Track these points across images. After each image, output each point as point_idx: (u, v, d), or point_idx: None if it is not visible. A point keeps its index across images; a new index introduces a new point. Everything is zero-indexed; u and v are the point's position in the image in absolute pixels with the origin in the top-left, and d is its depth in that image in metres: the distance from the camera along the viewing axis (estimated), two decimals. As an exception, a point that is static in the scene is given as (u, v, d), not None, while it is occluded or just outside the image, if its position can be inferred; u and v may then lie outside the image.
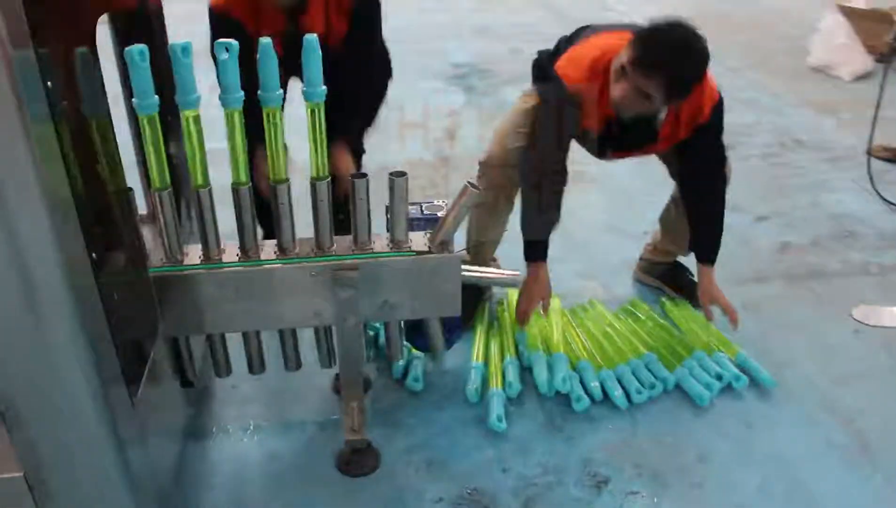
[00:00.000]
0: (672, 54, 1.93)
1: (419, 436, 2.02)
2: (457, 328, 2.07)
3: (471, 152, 3.84)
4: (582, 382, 2.14)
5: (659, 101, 1.97)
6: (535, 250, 2.24)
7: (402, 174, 1.72)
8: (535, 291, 2.25)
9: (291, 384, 2.12)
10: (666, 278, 2.65)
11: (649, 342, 2.32)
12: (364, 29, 2.25)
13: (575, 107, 2.09)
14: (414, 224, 1.99)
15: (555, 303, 2.43)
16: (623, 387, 2.13)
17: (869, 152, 3.44)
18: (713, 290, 2.33)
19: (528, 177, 2.19)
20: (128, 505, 1.49)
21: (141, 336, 1.62)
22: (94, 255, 1.30)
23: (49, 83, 1.12)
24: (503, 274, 1.87)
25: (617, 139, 2.23)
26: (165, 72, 1.58)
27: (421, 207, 2.00)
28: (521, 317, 2.28)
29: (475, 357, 2.23)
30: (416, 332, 2.05)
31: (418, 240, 1.81)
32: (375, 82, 2.37)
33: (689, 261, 2.52)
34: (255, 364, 1.90)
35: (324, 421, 2.05)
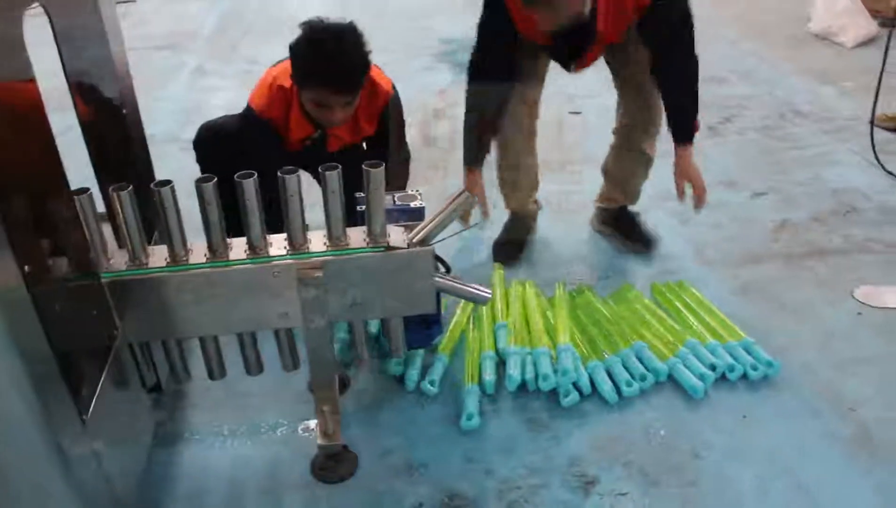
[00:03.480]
0: None
1: (399, 437, 1.92)
2: (436, 324, 1.97)
3: (459, 133, 3.72)
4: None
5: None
6: (472, 157, 2.41)
7: (378, 165, 1.61)
8: (473, 186, 2.40)
9: (266, 385, 2.03)
10: (615, 225, 2.75)
11: (638, 330, 2.22)
12: (391, 133, 2.44)
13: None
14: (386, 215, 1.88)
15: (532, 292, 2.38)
16: (612, 380, 2.03)
17: (872, 122, 3.31)
18: (688, 168, 2.29)
19: (470, 81, 2.35)
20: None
21: (94, 346, 1.53)
22: (26, 267, 1.20)
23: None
24: (470, 289, 1.76)
25: (567, 49, 2.29)
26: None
27: (394, 197, 1.89)
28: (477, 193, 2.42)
29: (441, 348, 2.15)
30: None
31: (397, 235, 1.71)
32: (401, 178, 2.55)
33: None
34: (216, 369, 1.80)
35: (299, 424, 1.96)
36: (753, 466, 1.81)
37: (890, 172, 3.16)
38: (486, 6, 2.24)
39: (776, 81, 4.32)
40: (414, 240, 1.69)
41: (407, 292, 1.70)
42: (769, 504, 1.71)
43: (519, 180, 2.62)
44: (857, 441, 1.87)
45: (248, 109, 2.29)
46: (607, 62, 2.46)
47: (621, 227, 2.74)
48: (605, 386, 2.00)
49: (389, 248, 1.66)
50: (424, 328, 1.96)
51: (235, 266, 1.63)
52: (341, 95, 2.12)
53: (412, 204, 1.85)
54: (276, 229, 1.68)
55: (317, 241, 1.69)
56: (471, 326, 2.26)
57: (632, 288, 2.45)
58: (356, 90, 2.15)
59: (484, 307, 2.29)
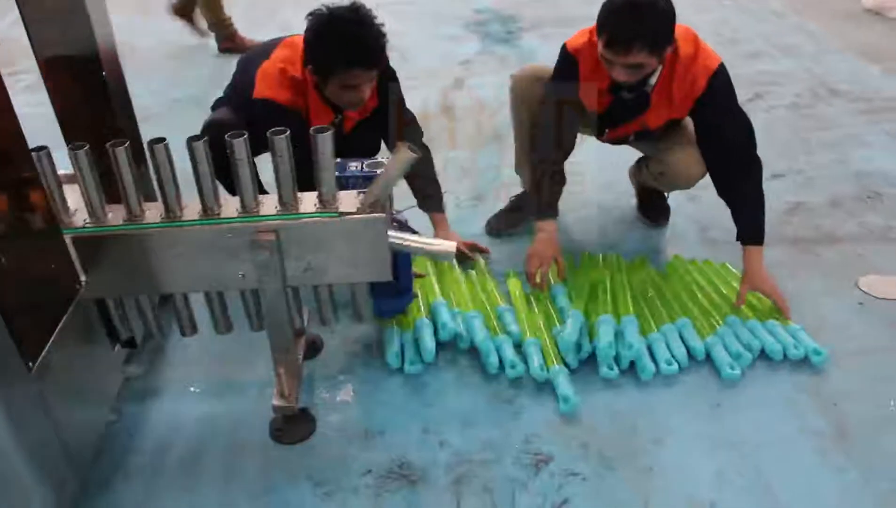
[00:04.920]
0: (612, 14, 2.00)
1: (362, 403, 1.93)
2: (408, 291, 1.95)
3: (477, 102, 3.68)
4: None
5: (616, 62, 2.01)
6: (543, 209, 2.30)
7: (326, 130, 1.60)
8: (543, 251, 2.25)
9: (243, 343, 2.02)
10: (643, 194, 2.70)
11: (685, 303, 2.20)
12: (392, 99, 2.35)
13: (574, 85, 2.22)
14: (351, 182, 1.87)
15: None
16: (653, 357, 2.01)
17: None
18: (755, 277, 2.15)
19: (536, 142, 2.34)
20: (24, 475, 1.46)
21: (52, 298, 1.56)
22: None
23: None
24: (433, 244, 1.73)
25: (613, 113, 2.27)
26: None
27: (362, 164, 1.87)
28: (530, 279, 2.25)
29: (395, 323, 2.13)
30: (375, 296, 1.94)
31: (349, 200, 1.69)
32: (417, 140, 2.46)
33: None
34: (186, 327, 1.83)
35: (270, 386, 1.98)
36: (716, 457, 1.75)
37: (922, 157, 2.99)
38: (557, 78, 2.27)
39: (817, 58, 4.12)
40: (366, 204, 1.67)
41: (361, 257, 1.69)
42: (723, 497, 1.65)
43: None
44: (833, 439, 1.79)
45: (269, 102, 2.16)
46: (631, 143, 2.50)
47: (645, 202, 2.70)
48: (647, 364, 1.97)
49: (341, 213, 1.64)
50: (395, 295, 1.95)
51: (188, 226, 1.64)
52: (371, 69, 2.11)
53: (378, 171, 1.83)
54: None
55: (269, 205, 1.69)
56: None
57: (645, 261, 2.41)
58: (382, 62, 2.15)
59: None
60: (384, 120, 2.37)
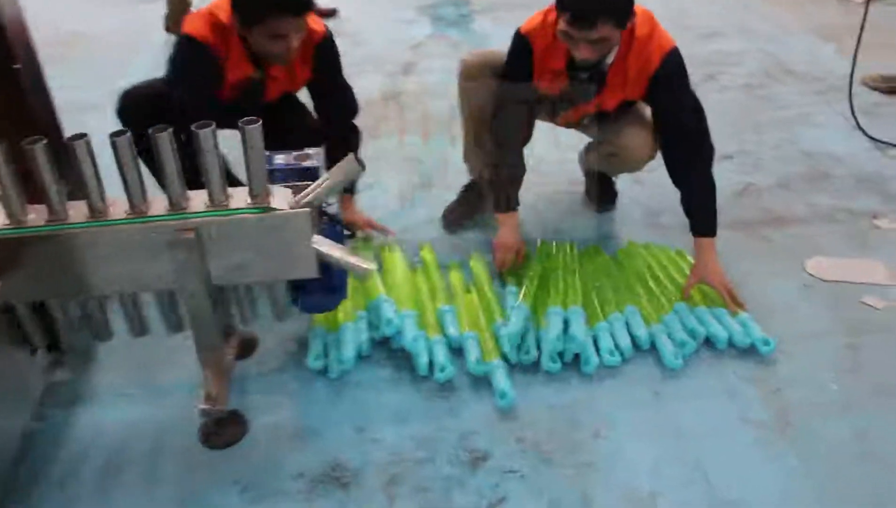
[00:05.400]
0: None
1: (295, 403, 1.87)
2: (340, 289, 1.89)
3: (426, 88, 3.61)
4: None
5: (580, 38, 1.95)
6: (502, 201, 2.29)
7: (255, 122, 1.52)
8: (508, 242, 2.27)
9: (178, 344, 1.93)
10: (591, 179, 2.66)
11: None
12: (327, 73, 2.29)
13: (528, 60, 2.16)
14: (278, 175, 1.80)
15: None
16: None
17: (851, 81, 3.05)
18: (705, 270, 2.12)
19: (494, 133, 2.28)
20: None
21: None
22: None
23: None
24: (351, 261, 1.66)
25: (568, 95, 2.22)
26: None
27: (291, 155, 1.80)
28: (505, 264, 2.28)
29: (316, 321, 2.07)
30: (298, 291, 1.88)
31: (282, 197, 1.63)
32: (347, 119, 2.41)
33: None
34: (101, 331, 1.75)
35: (199, 388, 1.91)
36: (655, 447, 1.71)
37: (871, 137, 2.97)
38: (511, 63, 2.21)
39: (773, 37, 4.10)
40: (300, 203, 1.61)
41: (287, 254, 1.63)
42: (662, 488, 1.62)
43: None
44: (775, 426, 1.76)
45: (190, 38, 2.08)
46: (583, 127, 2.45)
47: (592, 185, 2.66)
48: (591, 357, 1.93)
49: (267, 209, 1.57)
50: (326, 292, 1.88)
51: (111, 226, 1.56)
52: (300, 17, 2.02)
53: (304, 164, 1.76)
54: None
55: (198, 201, 1.62)
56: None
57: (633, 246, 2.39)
58: (311, 7, 2.06)
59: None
60: (317, 94, 2.31)
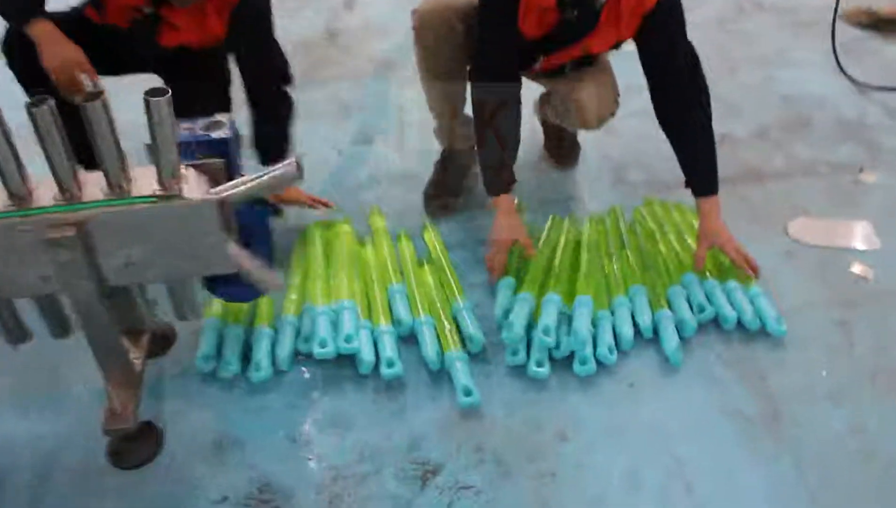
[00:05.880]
0: None
1: (219, 409, 1.62)
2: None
3: (369, 26, 3.28)
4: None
5: None
6: (496, 181, 1.91)
7: (164, 92, 1.23)
8: (505, 230, 1.89)
9: (83, 348, 1.67)
10: (549, 132, 2.39)
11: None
12: (247, 33, 1.92)
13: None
14: (182, 149, 1.50)
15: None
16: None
17: (835, 16, 2.82)
18: (714, 233, 1.87)
19: (477, 94, 1.87)
20: None
21: None
22: None
23: None
24: (257, 272, 1.41)
25: (555, 36, 1.86)
26: None
27: (196, 126, 1.50)
28: (496, 267, 1.89)
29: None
30: (215, 279, 1.61)
31: (198, 182, 1.35)
32: (273, 85, 2.03)
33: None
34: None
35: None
36: (628, 451, 1.52)
37: (852, 78, 2.75)
38: (489, 3, 1.82)
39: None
40: (217, 194, 1.34)
41: (195, 249, 1.35)
42: (638, 499, 1.43)
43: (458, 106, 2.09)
44: (762, 421, 1.57)
45: None
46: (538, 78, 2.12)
47: (552, 139, 2.39)
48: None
49: (161, 197, 1.29)
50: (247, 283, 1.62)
51: None
52: None
53: (214, 134, 1.47)
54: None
55: (94, 188, 1.33)
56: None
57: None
58: None
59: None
60: (237, 55, 1.96)
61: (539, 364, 1.65)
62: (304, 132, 2.19)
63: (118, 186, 1.32)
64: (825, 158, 2.37)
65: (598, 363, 1.67)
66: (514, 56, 1.87)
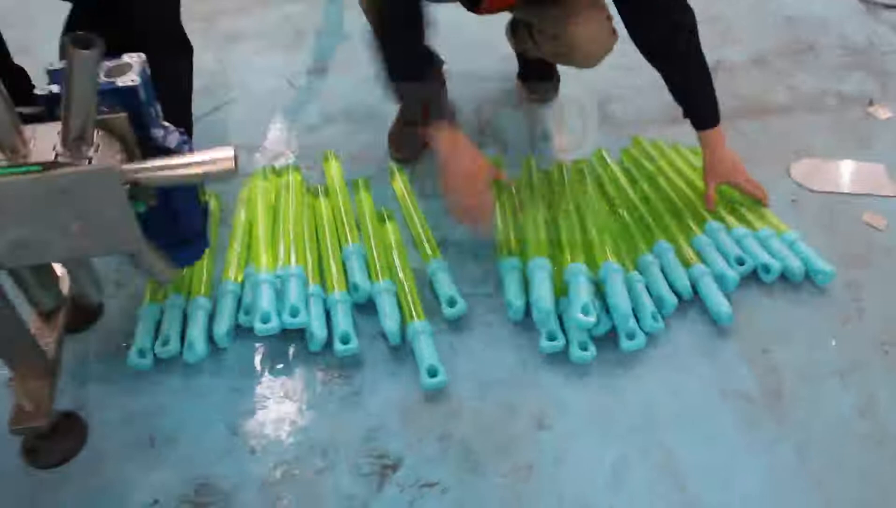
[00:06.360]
0: None
1: (150, 395, 1.43)
2: (197, 238, 1.41)
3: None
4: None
5: None
6: (431, 108, 1.54)
7: (89, 43, 0.98)
8: (463, 169, 1.53)
9: None
10: (525, 62, 2.14)
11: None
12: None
13: None
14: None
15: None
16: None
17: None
18: (722, 167, 1.69)
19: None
20: None
21: None
22: None
23: None
24: (155, 262, 1.19)
25: None
26: None
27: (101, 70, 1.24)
28: (483, 209, 1.58)
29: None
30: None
31: (106, 147, 1.13)
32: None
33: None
34: None
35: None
36: (614, 439, 1.34)
37: (863, -5, 2.50)
38: None
39: None
40: (131, 172, 1.11)
41: (96, 224, 1.13)
42: (625, 495, 1.26)
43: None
44: (765, 399, 1.40)
45: None
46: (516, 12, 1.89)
47: (528, 69, 2.15)
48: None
49: (48, 166, 1.06)
50: (179, 246, 1.40)
51: None
52: None
53: (120, 82, 1.21)
54: None
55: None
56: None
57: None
58: None
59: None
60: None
61: (583, 347, 1.44)
62: (250, 60, 1.93)
63: (10, 150, 1.08)
64: (831, 88, 2.15)
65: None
66: None
